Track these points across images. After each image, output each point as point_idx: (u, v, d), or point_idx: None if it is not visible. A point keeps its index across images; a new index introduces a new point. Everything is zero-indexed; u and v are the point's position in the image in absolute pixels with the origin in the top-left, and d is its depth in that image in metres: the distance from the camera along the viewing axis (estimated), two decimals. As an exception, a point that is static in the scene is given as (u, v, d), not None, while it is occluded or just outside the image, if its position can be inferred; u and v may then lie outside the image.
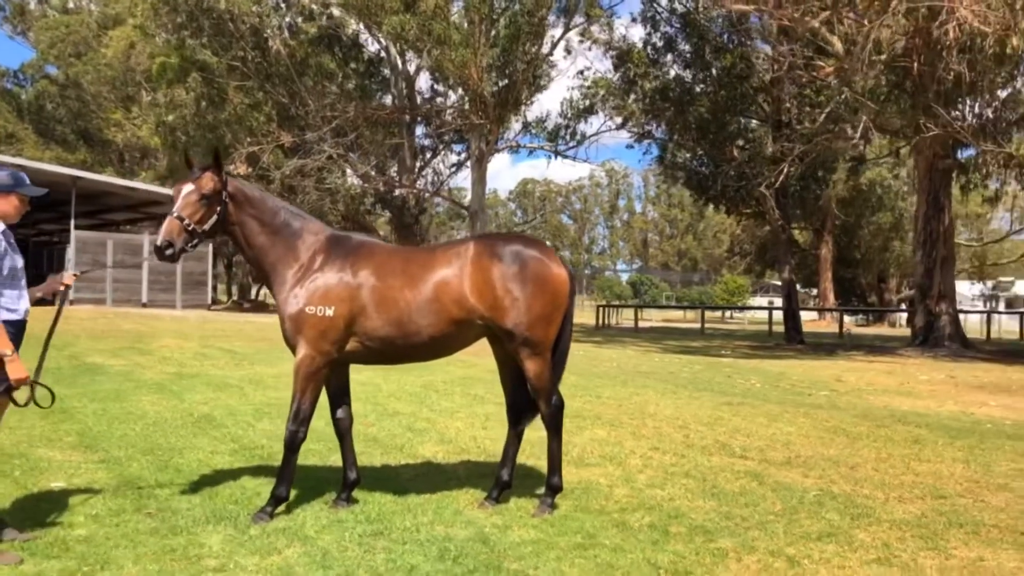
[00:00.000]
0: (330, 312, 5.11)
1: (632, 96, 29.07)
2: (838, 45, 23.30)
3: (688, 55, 27.89)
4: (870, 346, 25.75)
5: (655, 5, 29.55)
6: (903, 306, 47.28)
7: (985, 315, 35.17)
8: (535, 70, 34.53)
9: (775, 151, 27.39)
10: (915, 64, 21.24)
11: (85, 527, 4.88)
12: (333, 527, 5.00)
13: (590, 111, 35.22)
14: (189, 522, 4.99)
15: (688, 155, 29.25)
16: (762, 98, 27.53)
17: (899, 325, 46.89)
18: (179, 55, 34.78)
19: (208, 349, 15.51)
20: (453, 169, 44.09)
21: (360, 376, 10.27)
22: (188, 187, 5.11)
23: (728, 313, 59.67)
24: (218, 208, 5.16)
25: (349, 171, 37.49)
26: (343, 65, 37.01)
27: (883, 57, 23.04)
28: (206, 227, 5.13)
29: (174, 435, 7.51)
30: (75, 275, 5.01)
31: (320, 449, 7.00)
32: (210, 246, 34.96)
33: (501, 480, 5.62)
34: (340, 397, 5.59)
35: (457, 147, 43.01)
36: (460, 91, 35.74)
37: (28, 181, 4.66)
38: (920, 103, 22.47)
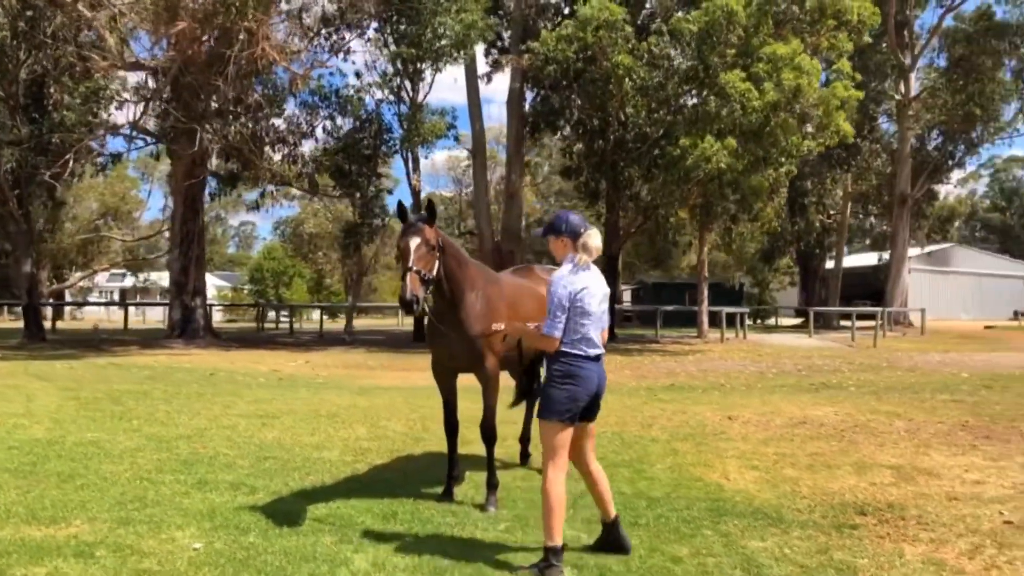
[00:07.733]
0: (501, 327, 5.76)
1: None
2: (111, 42, 23.26)
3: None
4: (140, 340, 26.24)
5: None
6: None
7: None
8: None
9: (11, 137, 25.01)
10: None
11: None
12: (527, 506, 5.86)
13: None
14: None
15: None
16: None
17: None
18: None
19: None
20: None
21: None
22: (416, 240, 5.29)
23: None
24: (438, 255, 5.43)
25: None
26: None
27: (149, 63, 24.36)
28: (434, 274, 5.39)
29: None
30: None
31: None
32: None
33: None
34: (455, 404, 6.24)
35: None
36: None
37: None
38: (192, 114, 24.31)
